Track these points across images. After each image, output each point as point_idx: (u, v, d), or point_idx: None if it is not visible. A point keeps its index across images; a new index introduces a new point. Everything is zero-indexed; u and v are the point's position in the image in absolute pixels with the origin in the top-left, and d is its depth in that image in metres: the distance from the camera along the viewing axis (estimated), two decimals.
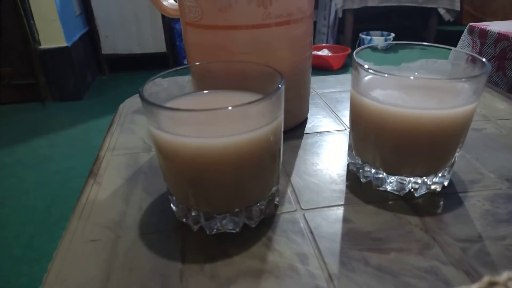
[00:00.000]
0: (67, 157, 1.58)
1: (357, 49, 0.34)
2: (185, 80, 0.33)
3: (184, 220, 0.30)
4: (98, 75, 2.48)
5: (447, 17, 2.49)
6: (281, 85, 0.27)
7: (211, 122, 0.26)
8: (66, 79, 2.09)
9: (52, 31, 1.98)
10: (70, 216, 0.32)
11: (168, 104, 0.29)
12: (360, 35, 2.58)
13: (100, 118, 1.89)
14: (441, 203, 0.32)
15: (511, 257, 0.26)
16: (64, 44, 2.02)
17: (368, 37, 2.55)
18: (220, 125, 0.26)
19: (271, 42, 0.38)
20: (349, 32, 2.61)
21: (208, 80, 0.33)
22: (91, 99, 2.16)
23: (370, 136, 0.33)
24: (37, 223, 1.21)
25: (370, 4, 2.46)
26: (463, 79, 0.30)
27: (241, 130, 0.26)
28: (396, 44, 0.36)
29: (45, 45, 2.00)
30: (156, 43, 2.42)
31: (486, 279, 0.16)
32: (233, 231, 0.29)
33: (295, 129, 0.45)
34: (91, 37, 2.38)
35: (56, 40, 2.01)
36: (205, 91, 0.33)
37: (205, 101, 0.32)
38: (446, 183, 0.33)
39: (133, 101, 0.55)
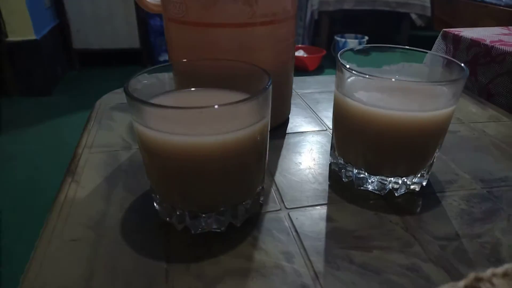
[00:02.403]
0: (35, 155, 1.52)
1: (341, 50, 0.34)
2: (166, 77, 0.32)
3: (168, 219, 0.29)
4: (68, 70, 2.40)
5: (418, 22, 2.57)
6: (269, 85, 0.27)
7: (198, 120, 0.26)
8: (34, 73, 2.01)
9: (20, 23, 1.90)
10: (47, 215, 0.31)
11: (153, 101, 0.29)
12: (335, 37, 2.62)
13: (70, 114, 1.83)
14: (420, 202, 0.33)
15: (487, 254, 0.27)
16: (33, 37, 1.95)
17: (343, 40, 2.59)
18: (207, 123, 0.26)
19: (256, 42, 0.38)
20: (324, 34, 2.64)
21: (192, 78, 0.33)
22: (61, 95, 2.09)
23: (353, 137, 0.33)
24: (2, 225, 1.16)
25: (345, 7, 2.51)
26: (443, 83, 0.31)
27: (228, 129, 0.26)
28: (376, 46, 0.37)
29: (12, 37, 1.92)
30: (129, 39, 2.37)
31: (472, 275, 0.17)
32: (218, 230, 0.29)
33: (277, 128, 0.45)
34: (61, 30, 2.30)
35: (25, 32, 1.93)
36: (191, 89, 0.32)
37: (190, 99, 0.32)
38: (424, 183, 0.34)
39: (111, 97, 0.53)
